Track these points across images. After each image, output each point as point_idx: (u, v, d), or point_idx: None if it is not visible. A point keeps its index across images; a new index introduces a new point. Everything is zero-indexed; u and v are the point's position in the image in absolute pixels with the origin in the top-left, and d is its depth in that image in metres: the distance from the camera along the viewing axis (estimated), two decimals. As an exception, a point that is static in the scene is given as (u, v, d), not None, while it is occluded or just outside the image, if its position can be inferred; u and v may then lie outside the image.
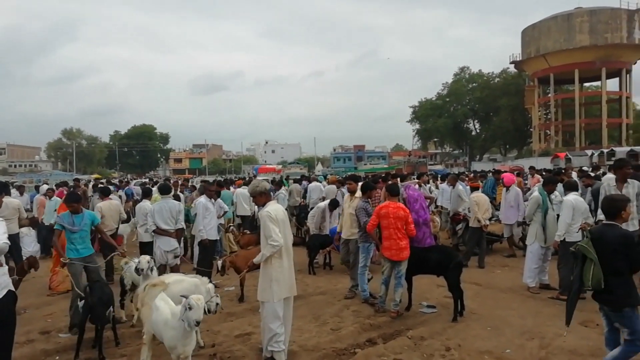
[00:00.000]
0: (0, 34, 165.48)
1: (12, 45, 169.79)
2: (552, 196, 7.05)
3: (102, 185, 14.12)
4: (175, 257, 6.76)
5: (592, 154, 34.49)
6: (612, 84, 51.49)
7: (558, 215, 6.58)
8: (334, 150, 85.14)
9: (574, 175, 12.00)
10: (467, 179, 12.80)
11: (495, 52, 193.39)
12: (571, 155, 36.14)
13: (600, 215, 5.88)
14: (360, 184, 7.12)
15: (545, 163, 33.35)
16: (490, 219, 9.15)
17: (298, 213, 12.42)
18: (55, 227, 5.72)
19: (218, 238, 8.21)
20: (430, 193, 11.52)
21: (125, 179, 25.12)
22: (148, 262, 5.49)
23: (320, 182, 14.75)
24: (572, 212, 6.17)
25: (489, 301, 6.42)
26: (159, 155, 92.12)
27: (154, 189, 11.52)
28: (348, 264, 7.14)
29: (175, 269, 6.60)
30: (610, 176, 6.56)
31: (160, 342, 4.18)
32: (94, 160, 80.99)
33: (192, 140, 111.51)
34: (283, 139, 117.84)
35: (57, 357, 4.92)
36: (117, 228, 8.62)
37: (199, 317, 3.77)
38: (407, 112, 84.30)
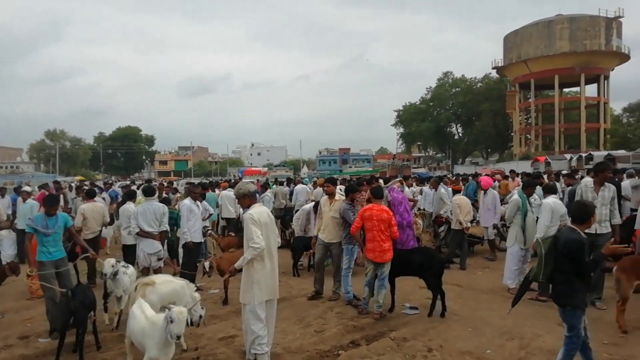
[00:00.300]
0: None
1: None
2: (532, 199, 7.23)
3: (88, 187, 13.87)
4: (159, 259, 6.70)
5: (571, 157, 35.10)
6: (591, 90, 52.86)
7: (538, 218, 6.74)
8: (320, 153, 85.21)
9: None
10: (449, 181, 12.97)
11: (480, 57, 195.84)
12: (551, 159, 36.73)
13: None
14: (341, 187, 7.14)
15: (525, 167, 33.81)
16: (471, 222, 9.30)
17: (283, 215, 12.43)
18: (27, 230, 5.55)
19: (202, 241, 8.17)
20: (414, 196, 11.67)
21: (110, 181, 24.74)
22: (113, 266, 5.45)
23: (306, 185, 14.78)
24: (550, 214, 6.31)
25: (471, 302, 6.53)
26: (144, 158, 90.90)
27: (139, 191, 11.38)
28: (319, 267, 6.99)
29: (158, 272, 6.53)
30: (588, 179, 6.72)
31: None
32: (78, 162, 79.31)
33: (178, 142, 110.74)
34: (269, 142, 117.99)
35: (37, 363, 4.83)
36: (101, 231, 8.52)
37: (180, 332, 3.73)
38: (391, 116, 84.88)
